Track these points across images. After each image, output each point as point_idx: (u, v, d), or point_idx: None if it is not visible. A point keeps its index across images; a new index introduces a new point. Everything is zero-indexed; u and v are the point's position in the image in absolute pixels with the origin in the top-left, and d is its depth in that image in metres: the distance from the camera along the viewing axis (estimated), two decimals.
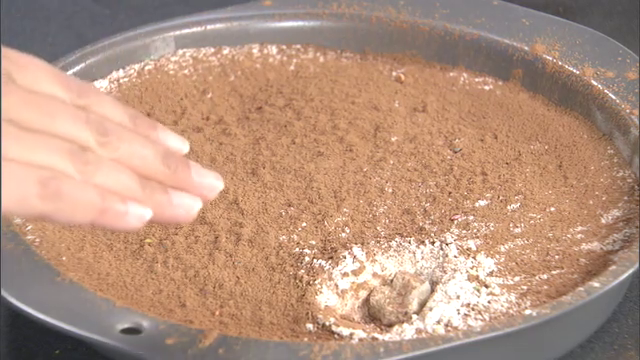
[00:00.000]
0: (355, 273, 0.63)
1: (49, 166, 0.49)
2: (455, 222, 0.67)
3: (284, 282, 0.63)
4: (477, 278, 0.62)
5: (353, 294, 0.63)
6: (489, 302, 0.61)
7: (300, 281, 0.62)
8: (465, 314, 0.60)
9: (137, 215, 0.51)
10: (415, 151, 0.73)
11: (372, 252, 0.65)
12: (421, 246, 0.65)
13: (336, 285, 0.63)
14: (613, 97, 0.73)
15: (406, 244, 0.65)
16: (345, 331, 0.59)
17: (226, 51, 0.83)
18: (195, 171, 0.55)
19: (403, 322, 0.60)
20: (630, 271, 0.59)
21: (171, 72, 0.81)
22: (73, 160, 0.50)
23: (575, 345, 0.62)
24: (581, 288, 0.59)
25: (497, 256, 0.64)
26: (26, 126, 0.49)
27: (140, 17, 0.96)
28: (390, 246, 0.65)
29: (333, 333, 0.59)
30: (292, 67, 0.82)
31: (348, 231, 0.66)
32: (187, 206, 0.54)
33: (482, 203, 0.68)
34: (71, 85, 0.52)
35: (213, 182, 0.55)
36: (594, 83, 0.75)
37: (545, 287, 0.62)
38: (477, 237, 0.65)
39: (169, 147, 0.55)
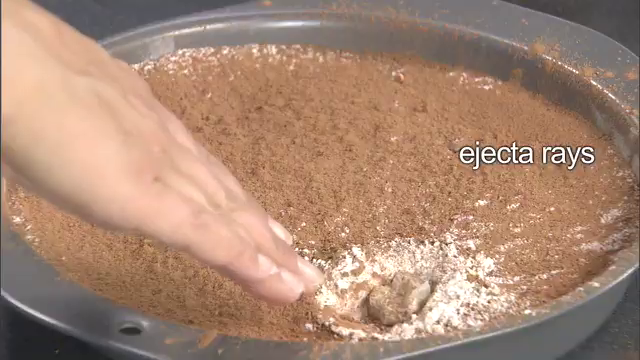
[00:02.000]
0: (355, 273, 0.63)
1: (197, 202, 0.51)
2: (455, 222, 0.67)
3: None
4: (477, 278, 0.62)
5: (353, 294, 0.63)
6: (489, 302, 0.61)
7: None
8: (465, 314, 0.60)
9: (267, 267, 0.54)
10: (415, 151, 0.73)
11: (372, 252, 0.65)
12: (421, 246, 0.65)
13: (336, 285, 0.63)
14: (613, 97, 0.73)
15: (406, 244, 0.65)
16: (345, 331, 0.59)
17: (226, 51, 0.83)
18: (299, 259, 0.58)
19: (403, 322, 0.60)
20: (629, 271, 0.59)
21: (171, 72, 0.81)
22: (213, 206, 0.52)
23: (575, 345, 0.62)
24: (581, 288, 0.59)
25: (497, 256, 0.64)
26: (176, 165, 0.51)
27: (140, 17, 0.96)
28: (390, 246, 0.65)
29: (333, 333, 0.59)
30: (292, 67, 0.82)
31: (348, 231, 0.66)
32: (292, 284, 0.56)
33: (482, 203, 0.68)
34: (201, 149, 0.56)
35: (314, 274, 0.58)
36: (594, 83, 0.74)
37: (545, 287, 0.62)
38: (477, 237, 0.65)
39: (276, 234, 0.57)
